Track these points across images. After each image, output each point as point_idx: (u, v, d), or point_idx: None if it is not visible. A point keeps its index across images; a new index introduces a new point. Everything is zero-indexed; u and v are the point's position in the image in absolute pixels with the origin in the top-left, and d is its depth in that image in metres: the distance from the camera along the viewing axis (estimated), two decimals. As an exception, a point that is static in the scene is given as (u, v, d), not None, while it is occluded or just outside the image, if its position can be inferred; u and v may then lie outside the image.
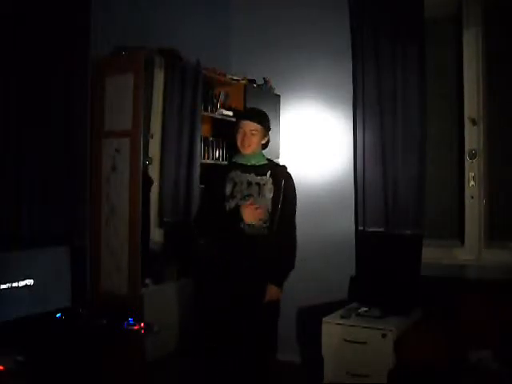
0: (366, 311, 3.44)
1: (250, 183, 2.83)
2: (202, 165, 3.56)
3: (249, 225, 2.75)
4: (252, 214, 2.73)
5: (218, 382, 2.80)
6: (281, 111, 4.32)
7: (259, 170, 2.89)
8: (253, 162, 2.90)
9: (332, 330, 3.31)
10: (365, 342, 3.18)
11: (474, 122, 3.67)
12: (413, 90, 3.68)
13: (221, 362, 2.79)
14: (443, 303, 3.28)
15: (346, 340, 3.25)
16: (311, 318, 3.69)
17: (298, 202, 4.25)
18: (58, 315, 2.74)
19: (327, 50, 4.15)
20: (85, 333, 2.67)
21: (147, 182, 3.30)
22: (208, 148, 3.79)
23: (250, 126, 2.85)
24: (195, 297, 2.86)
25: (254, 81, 4.13)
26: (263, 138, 2.94)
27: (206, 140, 3.77)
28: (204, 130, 3.74)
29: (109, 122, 3.18)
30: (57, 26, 2.91)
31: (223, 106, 3.93)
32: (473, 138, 3.67)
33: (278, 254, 2.88)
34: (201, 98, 3.55)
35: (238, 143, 2.87)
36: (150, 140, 3.41)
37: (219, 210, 2.79)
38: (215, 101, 3.91)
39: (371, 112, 3.85)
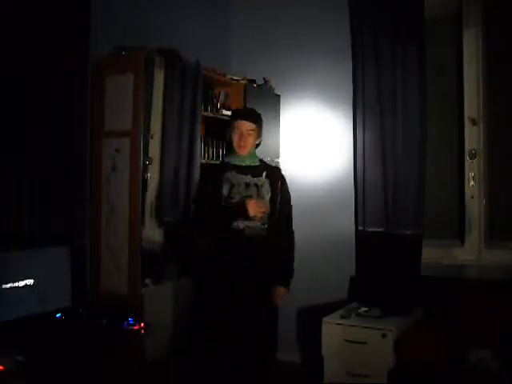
0: (366, 311, 3.44)
1: (248, 184, 2.80)
2: (202, 165, 3.56)
3: (248, 226, 2.73)
4: (256, 208, 2.70)
5: (218, 382, 2.80)
6: (281, 111, 4.33)
7: (255, 170, 2.86)
8: (248, 162, 2.88)
9: (332, 330, 3.31)
10: (365, 342, 3.18)
11: (473, 122, 3.67)
12: (413, 90, 3.68)
13: (221, 361, 2.78)
14: (443, 303, 3.27)
15: (346, 340, 3.25)
16: (311, 317, 3.69)
17: (298, 202, 4.26)
18: (58, 315, 2.74)
19: (327, 50, 4.15)
20: (85, 333, 2.67)
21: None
22: (208, 148, 3.79)
23: (246, 126, 2.82)
24: (195, 297, 2.84)
25: (254, 81, 4.13)
26: (257, 138, 2.91)
27: (206, 140, 3.77)
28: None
29: (109, 122, 3.18)
30: (57, 25, 2.91)
31: (223, 106, 3.93)
32: (473, 137, 3.68)
33: (280, 255, 2.87)
34: (201, 97, 3.55)
35: (235, 144, 2.83)
36: (150, 140, 3.41)
37: (217, 210, 2.77)
38: (215, 101, 3.91)
39: (371, 112, 3.85)
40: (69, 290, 2.84)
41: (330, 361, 3.29)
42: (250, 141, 2.84)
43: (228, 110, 3.91)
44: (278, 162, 4.30)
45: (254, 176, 2.83)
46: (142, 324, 2.82)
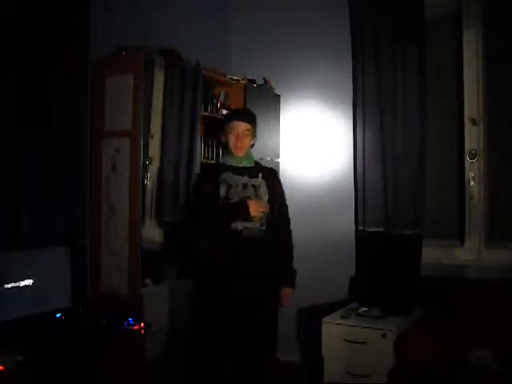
0: (366, 311, 3.44)
1: (245, 185, 2.78)
2: (202, 165, 3.56)
3: (246, 227, 2.71)
4: (257, 208, 2.69)
5: (217, 382, 2.79)
6: (281, 111, 4.33)
7: (251, 172, 2.84)
8: (244, 163, 2.85)
9: (332, 329, 3.31)
10: (365, 342, 3.18)
11: (473, 122, 3.67)
12: (413, 90, 3.68)
13: (221, 361, 2.78)
14: (443, 303, 3.27)
15: (346, 340, 3.25)
16: (311, 317, 3.69)
17: (298, 202, 4.27)
18: (58, 315, 2.74)
19: (327, 50, 4.15)
20: (85, 333, 2.67)
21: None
22: (208, 148, 3.79)
23: (242, 127, 2.80)
24: (195, 297, 2.83)
25: (254, 81, 4.12)
26: (253, 139, 2.89)
27: (206, 140, 3.77)
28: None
29: (109, 122, 3.18)
30: (57, 25, 2.91)
31: (223, 106, 3.93)
32: (473, 137, 3.67)
33: (279, 256, 2.87)
34: (201, 98, 3.55)
35: (231, 145, 2.81)
36: (150, 140, 3.41)
37: (216, 211, 2.75)
38: (215, 101, 3.91)
39: (371, 112, 3.85)
40: (69, 290, 2.84)
41: (330, 361, 3.29)
42: (247, 141, 2.83)
43: (228, 110, 3.91)
44: (278, 162, 4.30)
45: (250, 177, 2.81)
46: (142, 324, 2.82)
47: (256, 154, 3.96)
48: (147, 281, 3.22)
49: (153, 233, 3.46)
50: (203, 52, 3.69)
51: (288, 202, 4.23)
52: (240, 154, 2.82)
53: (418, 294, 3.53)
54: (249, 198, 2.74)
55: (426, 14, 3.66)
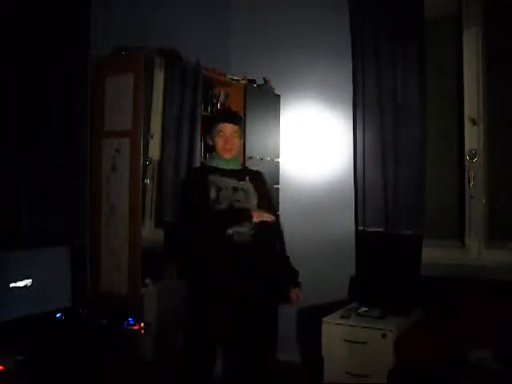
0: (366, 311, 3.44)
1: (235, 189, 2.73)
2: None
3: (237, 232, 2.65)
4: (261, 216, 2.66)
5: (217, 382, 2.79)
6: (281, 111, 4.33)
7: (238, 174, 2.80)
8: (232, 166, 2.82)
9: (332, 329, 3.31)
10: (365, 342, 3.18)
11: (473, 122, 3.67)
12: (413, 90, 3.69)
13: (213, 362, 2.75)
14: (443, 303, 3.28)
15: (346, 340, 3.25)
16: (311, 317, 3.69)
17: (298, 202, 4.29)
18: (58, 315, 2.74)
19: (327, 50, 4.15)
20: (85, 333, 2.67)
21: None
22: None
23: (230, 129, 2.77)
24: (189, 298, 2.78)
25: (254, 81, 4.12)
26: (240, 140, 2.87)
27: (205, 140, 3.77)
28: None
29: (109, 122, 3.18)
30: (57, 25, 2.91)
31: (223, 106, 3.93)
32: (473, 138, 3.68)
33: (274, 257, 2.84)
34: (201, 97, 3.55)
35: (219, 147, 2.77)
36: (150, 140, 3.41)
37: (208, 214, 2.68)
38: (215, 101, 3.91)
39: (371, 112, 3.85)
40: (69, 290, 2.84)
41: (330, 361, 3.29)
42: (235, 143, 2.79)
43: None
44: (278, 162, 4.30)
45: (238, 180, 2.77)
46: (142, 324, 2.82)
47: (256, 153, 4.01)
48: (147, 281, 3.21)
49: (153, 233, 3.46)
50: (203, 52, 3.69)
51: (288, 201, 4.28)
52: (228, 156, 2.79)
53: (418, 294, 3.53)
54: (238, 201, 2.70)
55: (426, 14, 3.66)
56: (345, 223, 4.03)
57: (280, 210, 4.29)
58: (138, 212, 3.10)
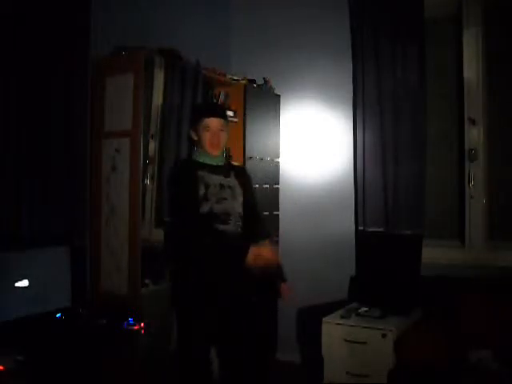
0: (366, 311, 3.44)
1: (222, 186, 2.68)
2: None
3: (225, 230, 2.61)
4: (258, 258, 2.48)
5: (217, 382, 2.79)
6: (281, 111, 4.33)
7: (224, 170, 2.74)
8: (218, 162, 2.74)
9: (332, 329, 3.31)
10: (365, 342, 3.18)
11: (473, 122, 3.67)
12: (413, 90, 3.69)
13: (220, 361, 2.76)
14: (443, 303, 3.28)
15: (346, 340, 3.25)
16: (311, 317, 3.69)
17: (298, 202, 4.29)
18: (58, 315, 2.74)
19: (327, 50, 4.15)
20: (85, 333, 2.67)
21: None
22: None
23: (218, 123, 2.68)
24: (189, 298, 2.65)
25: (254, 81, 4.13)
26: (227, 135, 2.76)
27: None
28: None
29: (109, 122, 3.18)
30: (57, 25, 2.91)
31: (227, 109, 3.93)
32: (473, 138, 3.68)
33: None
34: (201, 97, 3.55)
35: (206, 142, 2.67)
36: (150, 140, 3.41)
37: (198, 212, 2.60)
38: (215, 101, 3.91)
39: (371, 112, 3.85)
40: (69, 290, 2.84)
41: (330, 361, 3.29)
42: (223, 138, 2.71)
43: (228, 109, 3.91)
44: (278, 162, 4.31)
45: (225, 176, 2.72)
46: (142, 324, 2.81)
47: (256, 153, 4.01)
48: (147, 281, 3.21)
49: (153, 233, 3.46)
50: (203, 52, 3.69)
51: (288, 201, 4.29)
52: (216, 152, 2.71)
53: (418, 294, 3.53)
54: (225, 199, 2.66)
55: (426, 14, 3.66)
56: (345, 223, 4.03)
57: (280, 210, 4.30)
58: (138, 212, 3.09)
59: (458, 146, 3.78)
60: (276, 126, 4.30)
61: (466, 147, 3.70)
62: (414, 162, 3.69)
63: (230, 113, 3.88)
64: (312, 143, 4.25)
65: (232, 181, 2.74)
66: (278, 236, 4.28)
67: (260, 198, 4.03)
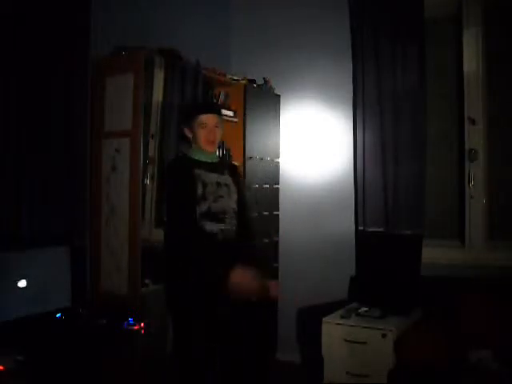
0: (366, 311, 3.44)
1: (218, 184, 2.66)
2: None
3: (221, 230, 2.61)
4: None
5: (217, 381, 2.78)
6: (281, 111, 4.33)
7: (219, 168, 2.72)
8: (213, 159, 2.72)
9: (332, 329, 3.31)
10: (365, 342, 3.18)
11: (473, 122, 3.67)
12: (413, 89, 3.69)
13: (220, 361, 2.75)
14: (443, 303, 3.27)
15: (346, 340, 3.25)
16: (311, 317, 3.69)
17: (298, 202, 4.29)
18: (58, 315, 2.74)
19: (327, 50, 4.15)
20: (85, 333, 2.67)
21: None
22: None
23: (213, 120, 2.65)
24: (187, 298, 2.60)
25: (254, 81, 4.13)
26: (221, 132, 2.73)
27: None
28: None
29: (109, 122, 3.18)
30: (57, 25, 2.91)
31: (223, 106, 3.93)
32: (473, 138, 3.68)
33: (254, 253, 2.79)
34: (201, 97, 3.55)
35: (202, 140, 2.63)
36: (150, 140, 3.41)
37: (196, 213, 2.57)
38: (215, 101, 3.91)
39: (371, 112, 3.85)
40: (69, 290, 2.84)
41: (330, 361, 3.29)
42: (218, 135, 2.69)
43: (228, 109, 3.91)
44: (278, 162, 4.31)
45: (220, 174, 2.70)
46: (142, 324, 2.81)
47: (256, 153, 4.01)
48: (147, 281, 3.21)
49: (153, 233, 3.45)
50: (203, 52, 3.69)
51: (288, 201, 4.29)
52: (212, 149, 2.69)
53: (418, 294, 3.53)
54: (222, 197, 2.64)
55: (426, 14, 3.66)
56: (345, 223, 4.03)
57: (280, 210, 4.30)
58: (138, 212, 3.10)
59: (457, 146, 3.78)
60: (276, 126, 4.30)
61: (466, 147, 3.70)
62: (414, 162, 3.69)
63: (229, 113, 3.89)
64: (312, 143, 4.25)
65: (227, 178, 2.73)
66: (277, 236, 4.28)
67: (260, 198, 4.06)
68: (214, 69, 3.78)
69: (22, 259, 2.62)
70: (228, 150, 3.93)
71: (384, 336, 3.11)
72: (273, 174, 4.24)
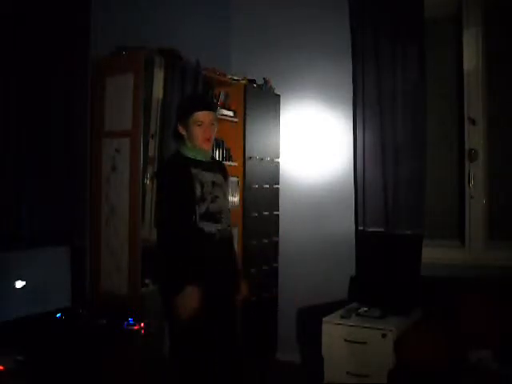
0: (365, 311, 3.44)
1: (214, 183, 2.64)
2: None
3: (219, 230, 2.60)
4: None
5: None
6: (281, 111, 4.33)
7: (212, 167, 2.70)
8: (208, 157, 2.69)
9: (332, 329, 3.30)
10: (365, 342, 3.18)
11: (473, 122, 3.67)
12: (413, 89, 3.69)
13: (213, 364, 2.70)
14: (443, 303, 3.27)
15: (346, 340, 3.25)
16: (311, 317, 3.69)
17: (297, 202, 4.29)
18: (58, 315, 2.75)
19: (327, 50, 4.15)
20: (85, 333, 2.67)
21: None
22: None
23: (209, 117, 2.60)
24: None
25: (254, 81, 4.13)
26: (216, 129, 2.69)
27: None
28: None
29: (109, 122, 3.18)
30: (57, 25, 2.91)
31: (223, 106, 3.93)
32: (473, 138, 3.68)
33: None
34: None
35: (198, 138, 2.59)
36: (150, 140, 3.41)
37: (194, 214, 2.56)
38: (215, 101, 3.91)
39: (371, 112, 3.85)
40: (69, 290, 2.84)
41: (330, 361, 3.28)
42: (214, 133, 2.64)
43: (228, 109, 3.91)
44: (278, 162, 4.31)
45: (214, 173, 2.67)
46: (142, 324, 2.81)
47: (256, 153, 4.01)
48: (147, 281, 3.21)
49: (153, 233, 3.45)
50: (203, 52, 3.69)
51: (288, 201, 4.28)
52: (208, 147, 2.66)
53: (418, 294, 3.53)
54: (217, 197, 2.63)
55: (426, 14, 3.66)
56: (345, 223, 4.03)
57: (280, 210, 4.30)
58: (138, 212, 3.10)
59: (458, 146, 3.78)
60: (276, 126, 4.30)
61: (466, 147, 3.70)
62: (413, 162, 3.69)
63: (229, 113, 3.89)
64: (312, 143, 4.25)
65: (220, 177, 2.72)
66: (277, 236, 4.28)
67: (260, 198, 4.06)
68: (214, 69, 3.78)
69: (22, 259, 2.62)
70: (228, 150, 3.93)
71: (384, 336, 3.11)
72: (273, 174, 4.24)
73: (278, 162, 4.31)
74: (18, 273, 2.59)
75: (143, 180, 3.21)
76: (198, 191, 2.56)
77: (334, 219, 4.11)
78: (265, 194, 4.12)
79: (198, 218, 2.56)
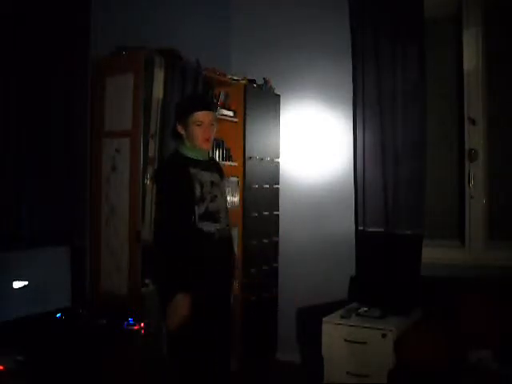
0: (365, 311, 3.44)
1: (212, 183, 2.64)
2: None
3: (218, 229, 2.60)
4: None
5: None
6: (281, 111, 4.33)
7: (210, 166, 2.70)
8: (206, 157, 2.70)
9: (332, 330, 3.30)
10: (365, 342, 3.18)
11: (473, 122, 3.67)
12: (413, 90, 3.69)
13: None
14: (443, 303, 3.27)
15: (346, 340, 3.25)
16: (311, 317, 3.69)
17: (297, 202, 4.29)
18: (58, 315, 2.75)
19: (327, 50, 4.15)
20: (85, 333, 2.67)
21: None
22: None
23: (209, 117, 2.61)
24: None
25: (254, 81, 4.13)
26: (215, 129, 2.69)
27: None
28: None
29: (109, 121, 3.18)
30: (57, 25, 2.91)
31: (223, 106, 3.93)
32: (473, 138, 3.68)
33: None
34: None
35: (198, 137, 2.59)
36: (150, 140, 3.41)
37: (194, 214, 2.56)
38: (215, 101, 3.91)
39: (371, 112, 3.85)
40: (69, 290, 2.84)
41: (330, 361, 3.28)
42: (213, 133, 2.65)
43: (228, 109, 3.91)
44: (278, 162, 4.31)
45: (211, 172, 2.68)
46: (142, 324, 2.81)
47: (256, 153, 4.01)
48: (147, 281, 3.21)
49: (153, 233, 3.45)
50: (203, 52, 3.69)
51: (288, 201, 4.28)
52: (207, 147, 2.66)
53: (418, 294, 3.53)
54: (216, 197, 2.63)
55: (426, 14, 3.66)
56: (345, 223, 4.03)
57: (280, 210, 4.30)
58: (138, 212, 3.10)
59: (458, 146, 3.78)
60: (276, 126, 4.30)
61: (466, 147, 3.70)
62: (413, 162, 3.68)
63: (229, 113, 3.89)
64: (312, 143, 4.25)
65: (217, 177, 2.73)
66: (277, 236, 4.28)
67: (260, 198, 4.06)
68: (214, 69, 3.78)
69: (22, 259, 2.62)
70: (228, 150, 3.93)
71: (384, 336, 3.11)
72: (273, 174, 4.25)
73: (278, 162, 4.30)
74: (18, 273, 2.59)
75: (143, 180, 3.20)
76: (198, 191, 2.57)
77: (334, 219, 4.11)
78: (265, 194, 4.12)
79: (197, 218, 2.56)
